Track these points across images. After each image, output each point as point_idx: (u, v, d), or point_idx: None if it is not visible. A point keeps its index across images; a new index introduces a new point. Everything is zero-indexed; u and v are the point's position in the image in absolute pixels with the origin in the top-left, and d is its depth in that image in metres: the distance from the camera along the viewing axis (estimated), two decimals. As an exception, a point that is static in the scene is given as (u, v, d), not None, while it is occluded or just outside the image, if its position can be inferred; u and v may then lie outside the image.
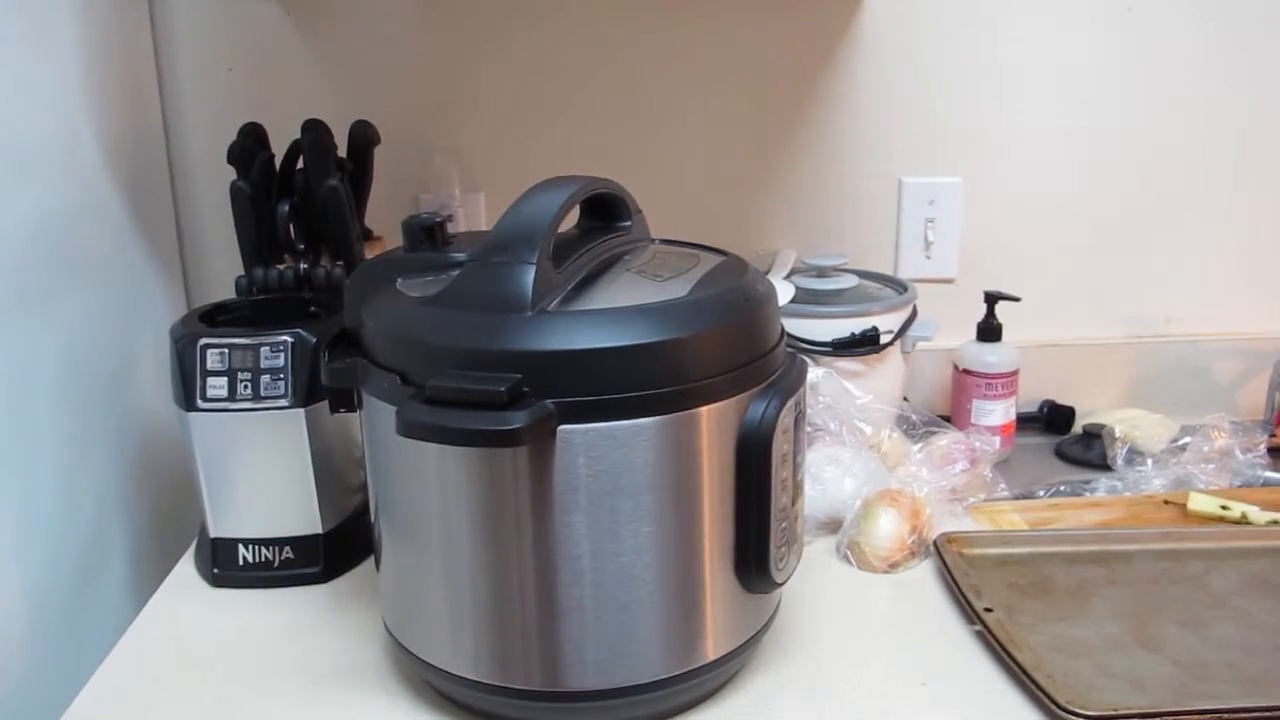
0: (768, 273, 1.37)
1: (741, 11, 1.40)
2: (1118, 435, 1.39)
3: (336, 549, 1.11)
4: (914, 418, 1.28)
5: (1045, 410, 1.53)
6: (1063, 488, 1.34)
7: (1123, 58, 1.47)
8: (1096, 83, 1.48)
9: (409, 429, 0.75)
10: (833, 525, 1.14)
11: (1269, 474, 1.40)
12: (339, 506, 1.12)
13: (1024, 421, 1.50)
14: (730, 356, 0.81)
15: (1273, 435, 1.45)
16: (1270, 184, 1.55)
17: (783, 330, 0.90)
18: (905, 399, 1.40)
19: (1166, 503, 1.27)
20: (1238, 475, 1.37)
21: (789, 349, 0.91)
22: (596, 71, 1.41)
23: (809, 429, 1.20)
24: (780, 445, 0.83)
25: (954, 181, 1.47)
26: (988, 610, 0.99)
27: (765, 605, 0.92)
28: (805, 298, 1.31)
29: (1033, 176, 1.50)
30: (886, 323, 1.29)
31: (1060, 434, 1.51)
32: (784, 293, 1.29)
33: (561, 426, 0.76)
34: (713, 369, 0.79)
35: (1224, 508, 1.23)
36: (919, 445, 1.22)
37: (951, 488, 1.18)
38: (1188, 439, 1.40)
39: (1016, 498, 1.30)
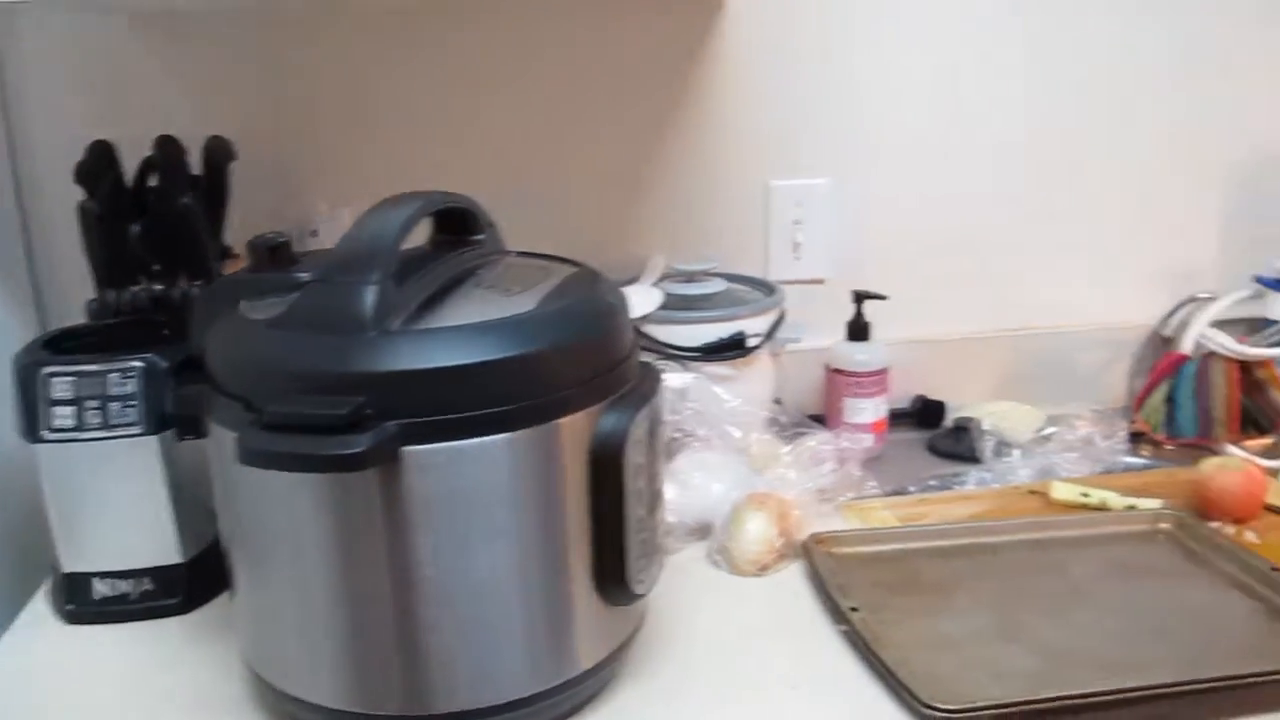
0: (638, 280, 1.36)
1: (605, 19, 1.39)
2: (985, 428, 1.42)
3: (199, 578, 1.08)
4: (783, 419, 1.29)
5: (917, 405, 1.55)
6: (933, 482, 1.36)
7: (985, 58, 1.50)
8: (960, 83, 1.50)
9: (249, 457, 0.73)
10: (703, 530, 1.14)
11: (1130, 459, 1.44)
12: (201, 534, 1.09)
13: (897, 417, 1.52)
14: (578, 370, 0.80)
15: (1133, 422, 1.49)
16: (1127, 180, 1.59)
17: (635, 340, 0.90)
18: (777, 400, 1.40)
19: (1032, 493, 1.30)
20: (1100, 462, 1.40)
21: (648, 358, 0.91)
22: (463, 83, 1.40)
23: (678, 435, 1.20)
24: (634, 456, 0.83)
25: (821, 183, 1.48)
26: (854, 610, 1.00)
27: (631, 614, 0.92)
28: (674, 303, 1.31)
29: (900, 176, 1.51)
30: (754, 326, 1.30)
31: (933, 428, 1.53)
32: (652, 299, 1.29)
33: (408, 448, 0.75)
34: (560, 383, 0.79)
35: (1085, 495, 1.26)
36: (789, 447, 1.23)
37: (821, 488, 1.19)
38: (1053, 429, 1.43)
39: (889, 494, 1.31)
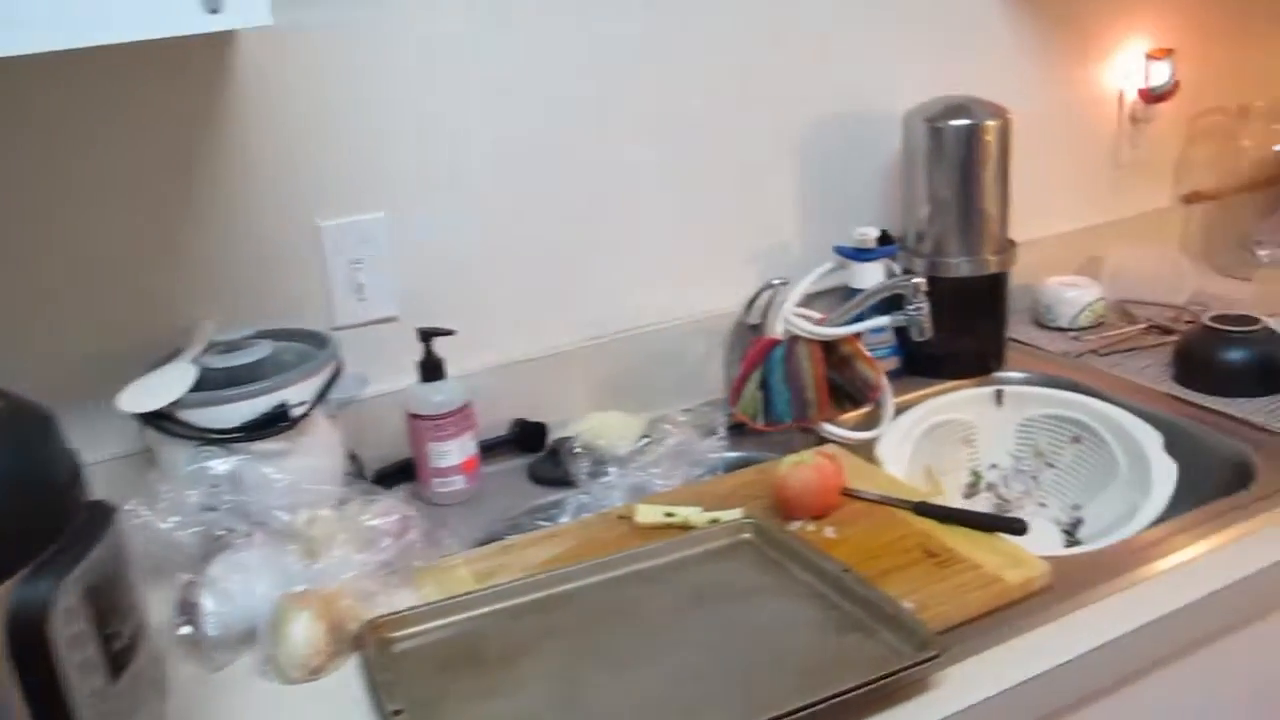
0: (179, 355, 1.23)
1: (105, 81, 1.22)
2: (578, 447, 1.36)
3: None
4: (345, 489, 1.20)
5: (516, 430, 1.48)
6: (525, 520, 1.30)
7: (533, 67, 1.42)
8: (512, 94, 1.42)
9: None
10: (252, 639, 1.04)
11: (731, 454, 1.42)
12: None
13: (496, 447, 1.45)
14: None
15: (731, 414, 1.47)
16: (698, 168, 1.57)
17: (74, 480, 0.78)
18: (353, 457, 1.31)
19: (621, 518, 1.25)
20: (699, 464, 1.37)
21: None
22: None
23: (218, 533, 1.09)
24: (67, 627, 0.72)
25: (376, 217, 1.38)
26: (396, 713, 0.92)
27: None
28: (214, 379, 1.19)
29: (461, 198, 1.43)
30: (302, 391, 1.20)
31: (536, 452, 1.47)
32: (181, 382, 1.16)
33: None
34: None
35: (669, 515, 1.22)
36: (350, 522, 1.14)
37: (383, 561, 1.11)
38: (649, 438, 1.39)
39: (482, 542, 1.25)
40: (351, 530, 1.11)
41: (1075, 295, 1.78)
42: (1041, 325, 1.81)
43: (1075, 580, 1.12)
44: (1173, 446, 1.41)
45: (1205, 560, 1.16)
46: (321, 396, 1.21)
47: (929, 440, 1.53)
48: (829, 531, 1.20)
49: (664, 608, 1.07)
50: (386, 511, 1.13)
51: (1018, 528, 1.17)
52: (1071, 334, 1.76)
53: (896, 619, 1.00)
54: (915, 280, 1.39)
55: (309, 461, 1.20)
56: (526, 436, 1.47)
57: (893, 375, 1.59)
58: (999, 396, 1.58)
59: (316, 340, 1.29)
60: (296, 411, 1.18)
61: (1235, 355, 1.52)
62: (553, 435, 1.47)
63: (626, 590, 1.10)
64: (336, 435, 1.25)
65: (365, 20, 1.33)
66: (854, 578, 1.07)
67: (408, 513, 1.14)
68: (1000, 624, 1.06)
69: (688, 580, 1.12)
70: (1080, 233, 1.96)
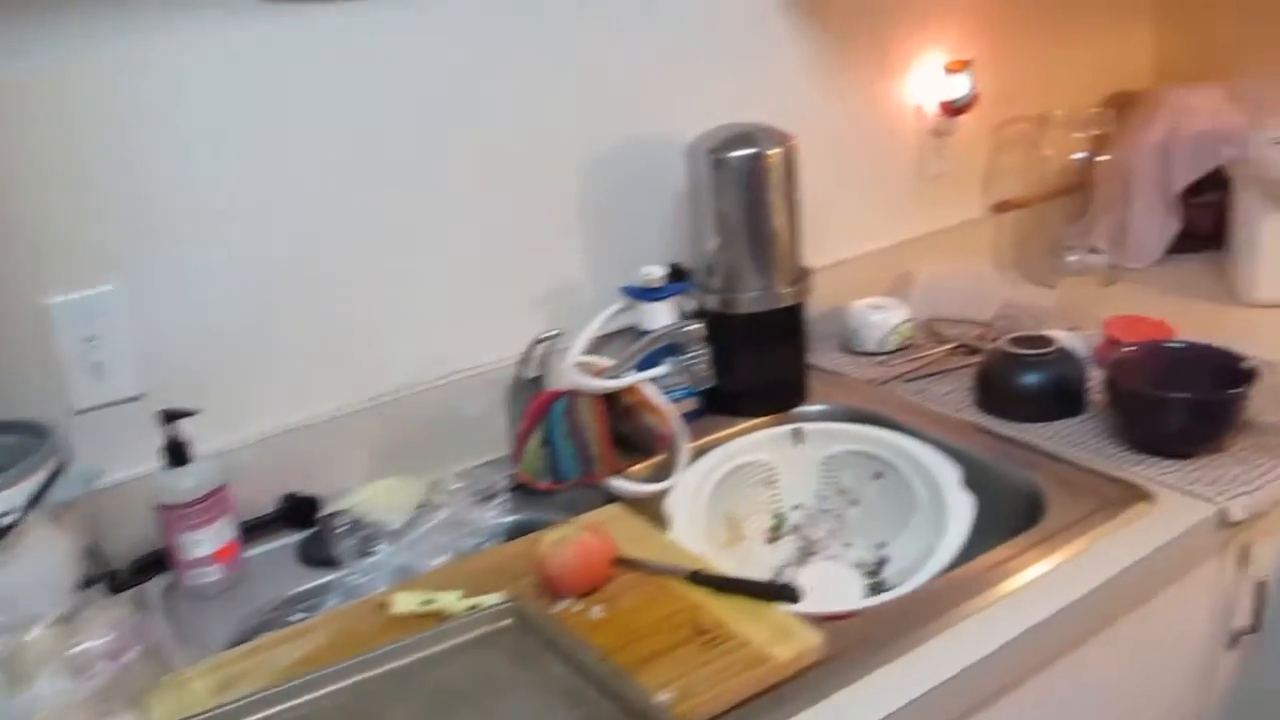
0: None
1: None
2: (342, 524, 1.28)
3: None
4: (72, 601, 1.10)
5: (286, 506, 1.39)
6: (285, 611, 1.21)
7: (278, 113, 1.33)
8: (254, 144, 1.32)
9: None
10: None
11: (511, 519, 1.35)
12: None
13: (264, 525, 1.36)
14: None
15: (514, 474, 1.39)
16: (479, 211, 1.49)
17: None
18: (96, 555, 1.21)
19: (380, 606, 1.17)
20: (478, 534, 1.30)
21: None
22: None
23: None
24: None
25: (108, 290, 1.27)
26: None
27: None
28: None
29: (211, 258, 1.32)
30: (14, 496, 1.09)
31: (309, 528, 1.38)
32: None
33: None
34: None
35: (427, 602, 1.14)
36: (64, 642, 1.04)
37: (98, 688, 1.01)
38: (421, 508, 1.31)
39: (237, 641, 1.16)
40: (56, 661, 1.01)
41: (881, 319, 1.74)
42: (850, 351, 1.76)
43: (854, 646, 1.08)
44: (971, 480, 1.37)
45: (987, 614, 1.12)
46: (36, 500, 1.11)
47: (728, 485, 1.47)
48: (596, 611, 1.13)
49: (405, 717, 0.99)
50: (101, 630, 1.03)
51: (789, 595, 1.11)
52: (879, 359, 1.72)
53: (647, 717, 0.94)
54: (692, 327, 1.33)
55: (23, 574, 1.09)
56: (296, 512, 1.38)
57: (691, 416, 1.53)
58: (798, 435, 1.52)
59: (36, 432, 1.18)
60: (6, 520, 1.07)
61: (1030, 379, 1.49)
62: (326, 508, 1.38)
63: (367, 698, 1.02)
64: (64, 538, 1.15)
65: (76, 69, 1.21)
66: (610, 669, 1.00)
67: (131, 625, 1.04)
68: (765, 709, 1.01)
69: (436, 680, 1.04)
70: (893, 249, 1.92)
